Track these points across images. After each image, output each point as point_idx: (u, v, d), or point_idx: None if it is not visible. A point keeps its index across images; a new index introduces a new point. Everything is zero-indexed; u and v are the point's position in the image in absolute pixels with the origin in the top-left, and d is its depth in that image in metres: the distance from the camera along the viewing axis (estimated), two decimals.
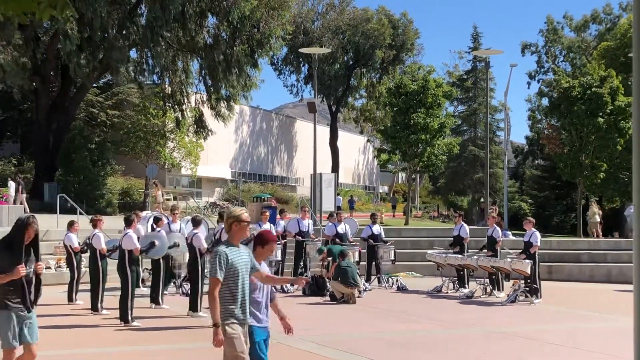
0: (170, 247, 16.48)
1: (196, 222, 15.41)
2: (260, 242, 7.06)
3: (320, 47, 56.92)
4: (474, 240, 22.35)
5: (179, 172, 53.26)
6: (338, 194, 62.70)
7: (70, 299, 16.45)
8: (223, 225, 13.88)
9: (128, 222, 14.40)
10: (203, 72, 43.06)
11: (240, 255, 6.66)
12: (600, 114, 34.91)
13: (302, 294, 18.93)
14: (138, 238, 14.65)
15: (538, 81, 71.73)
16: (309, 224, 21.44)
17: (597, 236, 33.00)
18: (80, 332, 13.04)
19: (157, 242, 15.21)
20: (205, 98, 44.85)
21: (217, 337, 6.51)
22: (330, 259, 19.28)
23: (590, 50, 66.30)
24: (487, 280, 19.33)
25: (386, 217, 49.47)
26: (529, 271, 17.68)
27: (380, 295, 18.62)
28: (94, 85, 46.13)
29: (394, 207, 62.03)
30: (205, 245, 14.87)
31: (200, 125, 46.07)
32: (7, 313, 7.45)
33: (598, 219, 34.08)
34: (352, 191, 76.19)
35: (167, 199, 48.59)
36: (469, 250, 20.92)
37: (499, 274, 19.29)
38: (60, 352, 11.27)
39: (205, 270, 17.16)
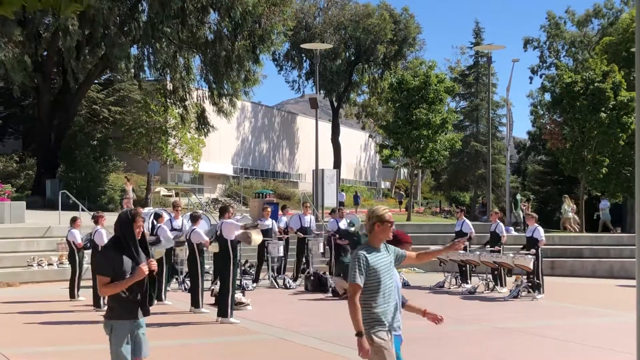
0: (176, 243, 16.52)
1: (194, 218, 15.37)
2: (395, 242, 6.59)
3: (321, 42, 56.90)
4: (476, 236, 22.32)
5: (180, 168, 53.28)
6: (341, 190, 62.84)
7: (72, 295, 16.46)
8: (224, 220, 13.93)
9: None
10: (204, 68, 43.05)
11: (381, 258, 6.18)
12: (603, 109, 34.82)
13: (305, 290, 18.93)
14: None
15: (540, 76, 71.59)
16: (310, 220, 21.44)
17: (574, 231, 32.98)
18: (83, 328, 13.03)
19: (162, 239, 15.17)
20: (207, 94, 44.84)
21: (363, 348, 6.04)
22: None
23: (592, 45, 66.17)
24: (490, 276, 19.32)
25: (394, 214, 49.34)
26: (531, 266, 17.66)
27: None
28: (96, 81, 46.15)
29: (400, 202, 61.99)
30: (207, 239, 14.85)
31: (202, 122, 46.08)
32: (123, 323, 6.52)
33: (571, 215, 34.14)
34: (354, 187, 76.16)
35: (169, 196, 48.64)
36: (472, 246, 20.90)
37: (502, 270, 19.27)
38: (63, 348, 11.27)
39: (207, 266, 17.20)
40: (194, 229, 14.95)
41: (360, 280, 6.03)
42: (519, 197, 35.99)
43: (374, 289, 6.12)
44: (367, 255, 6.08)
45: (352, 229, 19.85)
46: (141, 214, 6.71)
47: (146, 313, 6.58)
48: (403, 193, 67.31)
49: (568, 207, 34.67)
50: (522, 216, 34.81)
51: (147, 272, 6.37)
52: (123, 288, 6.33)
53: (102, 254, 6.46)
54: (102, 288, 6.39)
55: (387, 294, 6.23)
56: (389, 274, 6.21)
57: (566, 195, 37.23)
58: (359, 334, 6.04)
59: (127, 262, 6.34)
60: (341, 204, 55.31)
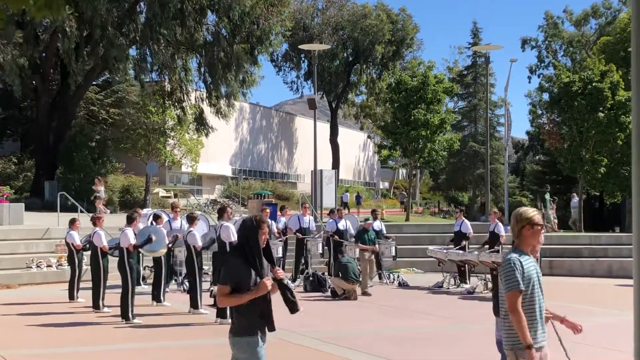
0: (171, 243, 16.48)
1: (191, 219, 15.31)
2: None
3: (320, 43, 56.93)
4: (475, 236, 22.34)
5: (179, 169, 53.28)
6: (346, 191, 62.93)
7: (71, 297, 16.45)
8: (223, 222, 13.95)
9: (130, 220, 14.41)
10: (203, 69, 43.06)
11: (532, 265, 5.54)
12: (601, 108, 34.89)
13: (304, 290, 18.94)
14: (136, 235, 14.63)
15: (538, 76, 71.64)
16: (309, 220, 21.44)
17: (551, 231, 33.00)
18: (82, 330, 13.04)
19: (153, 237, 15.12)
20: (205, 95, 44.85)
21: None
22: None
23: (590, 44, 66.25)
24: (489, 276, 19.32)
25: (394, 214, 49.49)
26: None
27: (381, 292, 18.63)
28: (94, 83, 46.13)
29: (402, 203, 62.02)
30: (200, 244, 14.83)
31: (200, 123, 46.07)
32: (254, 339, 6.03)
33: (551, 214, 34.11)
34: (353, 187, 76.21)
35: (168, 197, 48.64)
36: (471, 246, 20.92)
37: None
38: (62, 350, 11.28)
39: (205, 267, 17.20)
40: (191, 231, 14.95)
41: (522, 286, 5.38)
42: (547, 196, 35.63)
43: (529, 298, 5.49)
44: (521, 260, 5.47)
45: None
46: (267, 221, 6.29)
47: (271, 328, 6.15)
48: (405, 194, 67.53)
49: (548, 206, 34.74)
50: (551, 216, 34.64)
51: (270, 286, 5.92)
52: (244, 301, 5.87)
53: (228, 262, 5.94)
54: (222, 299, 5.92)
55: (541, 304, 5.61)
56: (539, 282, 5.59)
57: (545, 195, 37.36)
58: (528, 347, 5.36)
59: (252, 272, 5.90)
60: (345, 204, 55.59)
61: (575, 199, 35.24)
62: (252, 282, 5.85)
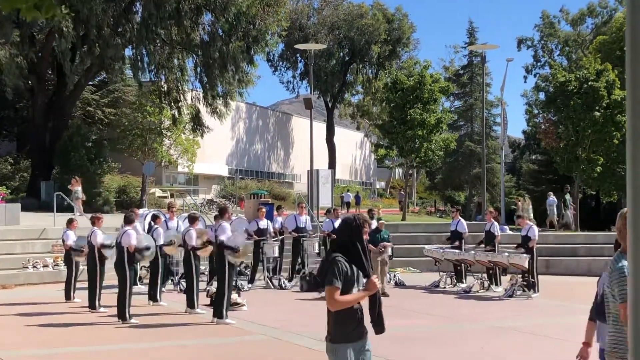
0: (166, 245, 16.46)
1: (192, 219, 15.36)
2: None
3: (316, 43, 56.92)
4: (472, 235, 22.36)
5: (175, 169, 53.24)
6: (347, 190, 62.94)
7: (67, 297, 16.43)
8: (221, 222, 13.94)
9: (128, 221, 14.39)
10: (199, 69, 43.04)
11: None
12: (597, 107, 34.94)
13: (300, 290, 18.94)
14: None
15: (534, 75, 71.76)
16: (306, 220, 21.43)
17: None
18: (78, 330, 13.03)
19: (150, 247, 14.98)
20: (201, 95, 44.84)
21: None
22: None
23: (586, 44, 66.33)
24: (485, 275, 19.35)
25: (391, 214, 49.44)
26: (526, 265, 17.71)
27: None
28: (90, 83, 46.09)
29: (400, 202, 62.04)
30: (194, 243, 14.83)
31: (197, 123, 46.05)
32: (346, 347, 5.69)
33: (531, 215, 33.94)
34: (348, 187, 76.21)
35: (164, 197, 48.60)
36: (467, 245, 20.93)
37: (497, 269, 19.31)
38: (58, 350, 11.27)
39: (202, 267, 17.20)
40: (189, 230, 14.95)
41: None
42: (568, 197, 35.46)
43: None
44: (625, 264, 4.92)
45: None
46: (369, 220, 6.13)
47: (380, 330, 5.93)
48: (404, 193, 67.54)
49: (529, 206, 34.65)
50: (570, 217, 34.52)
51: (379, 286, 5.71)
52: (355, 302, 5.67)
53: (332, 262, 5.61)
54: (332, 301, 5.59)
55: None
56: None
57: (527, 195, 37.34)
58: None
59: (354, 272, 5.66)
60: (347, 203, 55.67)
61: (551, 197, 35.14)
62: (355, 282, 5.66)
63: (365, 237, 5.82)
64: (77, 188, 31.79)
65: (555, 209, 34.82)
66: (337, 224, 20.85)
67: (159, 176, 56.61)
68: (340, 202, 57.73)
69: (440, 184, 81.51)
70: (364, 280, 5.69)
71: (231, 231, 14.00)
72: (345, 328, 5.67)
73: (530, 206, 35.10)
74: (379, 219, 20.06)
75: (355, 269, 5.65)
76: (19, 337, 12.38)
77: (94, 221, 15.43)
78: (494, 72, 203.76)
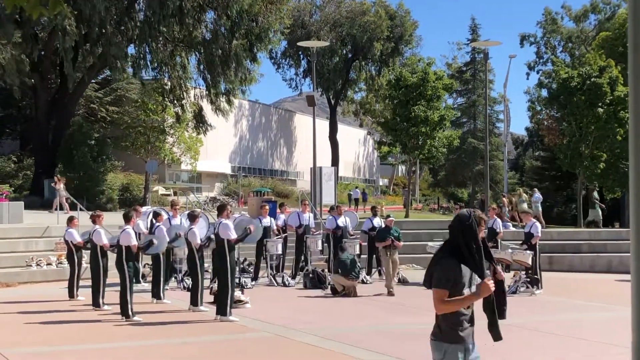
0: (172, 241, 16.49)
1: (192, 217, 15.34)
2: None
3: (318, 40, 56.91)
4: None
5: (178, 167, 53.28)
6: (356, 187, 62.95)
7: (71, 295, 16.45)
8: (222, 220, 13.94)
9: (127, 219, 14.41)
10: (202, 66, 43.07)
11: None
12: (600, 104, 34.88)
13: (303, 287, 18.95)
14: (138, 234, 14.68)
15: (537, 72, 71.69)
16: (309, 217, 21.44)
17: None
18: (82, 328, 13.04)
19: (155, 241, 15.21)
20: (204, 93, 44.87)
21: None
22: None
23: (589, 40, 66.24)
24: (488, 272, 19.31)
25: (394, 211, 49.50)
26: (530, 262, 17.70)
27: (381, 288, 18.61)
28: (93, 81, 46.14)
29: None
30: (198, 242, 14.84)
31: (199, 120, 46.09)
32: (457, 348, 5.36)
33: (525, 207, 33.75)
34: (353, 184, 76.22)
35: (167, 195, 48.64)
36: None
37: (500, 265, 19.28)
38: (62, 348, 11.28)
39: (206, 264, 17.24)
40: (192, 229, 14.97)
41: None
42: (596, 194, 35.20)
43: None
44: None
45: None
46: (485, 217, 5.72)
47: (496, 337, 5.53)
48: (408, 190, 67.53)
49: (524, 199, 34.46)
50: (600, 214, 34.34)
51: (493, 288, 5.32)
52: (464, 306, 5.32)
53: (441, 263, 5.28)
54: (440, 304, 5.27)
55: None
56: None
57: (519, 188, 37.18)
58: None
59: (466, 273, 5.30)
60: (356, 200, 55.72)
61: (537, 194, 35.03)
62: (467, 283, 5.30)
63: (481, 235, 5.42)
64: (60, 186, 31.75)
65: (540, 205, 34.62)
66: (340, 221, 20.89)
67: (162, 174, 56.69)
68: (348, 199, 57.86)
69: (443, 180, 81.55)
70: (479, 281, 5.35)
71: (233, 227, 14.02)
72: (454, 327, 5.34)
73: (524, 196, 34.72)
74: (388, 216, 20.01)
75: (467, 269, 5.30)
76: (23, 334, 12.40)
77: (94, 219, 15.43)
78: (496, 68, 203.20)
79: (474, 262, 5.30)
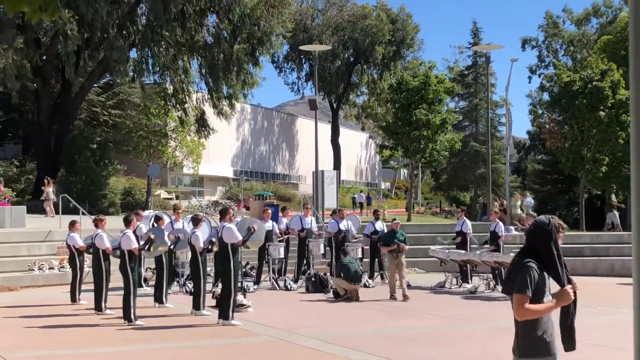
0: (173, 243, 16.50)
1: (196, 221, 15.39)
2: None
3: (320, 44, 56.94)
4: (477, 236, 22.34)
5: (181, 171, 53.31)
6: (360, 191, 62.97)
7: (73, 299, 16.45)
8: (225, 223, 13.95)
9: (127, 222, 14.43)
10: (204, 70, 43.13)
11: None
12: (602, 107, 34.89)
13: (306, 291, 18.95)
14: (138, 237, 14.69)
15: (539, 76, 71.72)
16: (311, 221, 21.44)
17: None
18: (84, 332, 13.05)
19: (152, 236, 15.18)
20: (206, 97, 44.91)
21: None
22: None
23: (591, 44, 66.23)
24: (490, 276, 19.33)
25: (396, 215, 49.54)
26: None
27: (383, 292, 18.61)
28: (95, 85, 46.21)
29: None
30: (202, 245, 14.86)
31: (202, 124, 46.13)
32: None
33: (519, 211, 33.56)
34: (355, 188, 76.22)
35: (169, 198, 48.68)
36: (472, 246, 20.91)
37: (502, 269, 19.28)
38: (64, 352, 11.28)
39: (208, 268, 17.26)
40: (195, 232, 14.98)
41: None
42: (614, 197, 35.07)
43: None
44: None
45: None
46: (564, 225, 5.65)
47: (570, 347, 5.34)
48: (414, 194, 67.66)
49: (517, 202, 34.35)
50: (616, 218, 34.20)
51: (573, 297, 5.21)
52: (545, 313, 5.18)
53: (523, 268, 5.15)
54: (521, 310, 5.12)
55: None
56: None
57: (515, 192, 37.12)
58: None
59: (548, 280, 5.21)
60: (360, 204, 55.79)
61: (528, 198, 34.96)
62: (548, 291, 5.20)
63: (560, 242, 5.36)
64: (49, 189, 31.73)
65: (531, 209, 34.51)
66: (342, 224, 20.89)
67: (164, 178, 56.73)
68: (352, 202, 57.88)
69: (445, 184, 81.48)
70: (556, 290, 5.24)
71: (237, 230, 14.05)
72: (534, 341, 5.21)
73: (519, 202, 34.57)
74: (393, 219, 19.99)
75: (547, 276, 5.20)
76: (25, 338, 12.41)
77: (97, 223, 15.44)
78: (498, 72, 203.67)
79: (554, 268, 5.22)
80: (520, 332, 5.23)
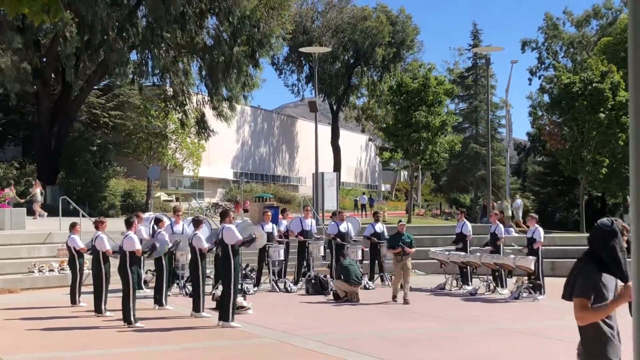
0: (172, 248, 16.50)
1: (197, 223, 15.41)
2: None
3: (320, 46, 56.96)
4: (477, 238, 22.32)
5: (181, 173, 53.29)
6: (363, 193, 62.98)
7: (73, 301, 16.44)
8: (225, 225, 13.95)
9: (128, 224, 14.43)
10: (204, 72, 43.12)
11: None
12: (602, 109, 34.90)
13: (305, 293, 18.94)
14: (140, 240, 14.71)
15: (539, 77, 71.68)
16: (311, 223, 21.43)
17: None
18: (84, 334, 13.04)
19: (157, 245, 15.25)
20: (206, 99, 44.91)
21: None
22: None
23: (591, 45, 66.24)
24: (491, 277, 19.32)
25: (396, 217, 49.51)
26: (532, 268, 17.67)
27: (383, 294, 18.61)
28: (95, 87, 46.20)
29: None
30: (205, 246, 14.86)
31: (202, 126, 46.12)
32: None
33: (510, 214, 33.46)
34: (355, 190, 76.22)
35: (169, 200, 48.65)
36: (472, 248, 20.90)
37: (502, 271, 19.28)
38: (64, 354, 11.28)
39: (208, 270, 17.26)
40: (196, 234, 14.98)
41: None
42: (629, 198, 35.04)
43: None
44: None
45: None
46: (627, 227, 5.32)
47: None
48: (415, 196, 67.69)
49: (508, 205, 34.36)
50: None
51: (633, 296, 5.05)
52: (608, 313, 5.13)
53: (582, 272, 5.09)
54: (581, 312, 5.12)
55: None
56: None
57: (509, 196, 37.14)
58: None
59: (610, 282, 5.12)
60: (363, 206, 55.84)
61: (517, 200, 34.92)
62: (612, 292, 5.13)
63: (625, 240, 5.18)
64: (37, 191, 31.72)
65: (520, 211, 34.48)
66: (342, 226, 20.88)
67: (164, 180, 56.69)
68: (354, 204, 57.86)
69: (445, 186, 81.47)
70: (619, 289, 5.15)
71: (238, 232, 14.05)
72: (600, 346, 5.16)
73: (509, 205, 34.55)
74: (399, 221, 19.92)
75: (611, 278, 5.11)
76: (25, 340, 12.39)
77: (98, 225, 15.44)
78: (498, 74, 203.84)
79: (618, 267, 5.11)
80: (584, 336, 5.16)
